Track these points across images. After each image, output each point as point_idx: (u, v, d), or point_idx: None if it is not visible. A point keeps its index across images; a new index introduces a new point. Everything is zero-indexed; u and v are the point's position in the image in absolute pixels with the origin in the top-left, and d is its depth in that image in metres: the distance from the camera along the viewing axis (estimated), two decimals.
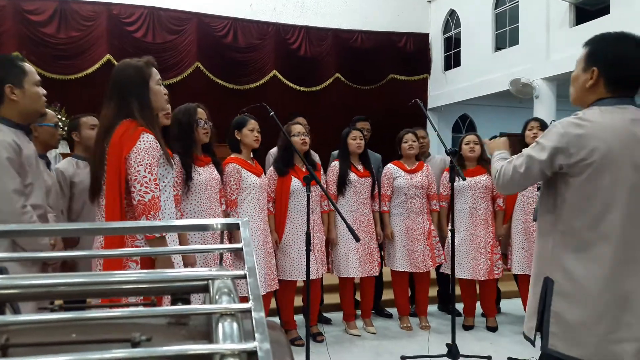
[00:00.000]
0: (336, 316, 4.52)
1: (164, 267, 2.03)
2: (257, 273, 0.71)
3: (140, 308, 0.70)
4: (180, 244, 2.82)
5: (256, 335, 0.63)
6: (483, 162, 4.22)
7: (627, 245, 1.68)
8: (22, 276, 0.74)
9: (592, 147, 1.68)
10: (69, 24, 9.04)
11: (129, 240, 2.05)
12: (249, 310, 0.66)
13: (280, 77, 10.39)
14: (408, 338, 4.11)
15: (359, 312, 4.41)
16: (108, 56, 9.10)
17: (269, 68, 10.34)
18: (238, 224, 0.83)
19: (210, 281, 0.76)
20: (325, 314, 4.51)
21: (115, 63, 9.47)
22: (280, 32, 10.48)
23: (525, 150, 1.85)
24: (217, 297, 0.71)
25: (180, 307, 0.70)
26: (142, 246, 2.06)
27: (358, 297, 4.44)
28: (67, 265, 2.89)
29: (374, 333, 4.19)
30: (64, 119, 7.84)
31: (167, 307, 0.70)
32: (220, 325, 0.66)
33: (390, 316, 4.65)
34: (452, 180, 3.51)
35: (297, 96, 10.38)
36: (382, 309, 4.73)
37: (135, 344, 0.64)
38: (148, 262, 2.05)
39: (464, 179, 3.56)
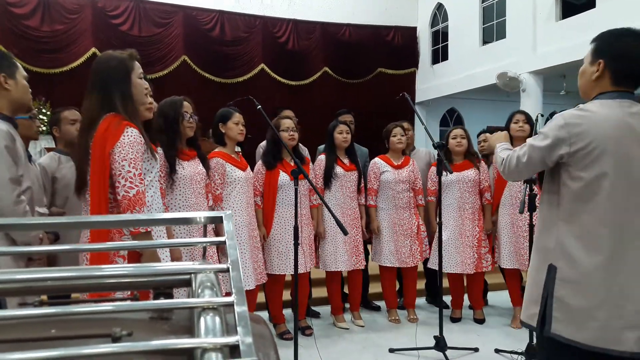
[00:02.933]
0: (324, 310, 4.53)
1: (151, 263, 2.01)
2: (240, 267, 0.71)
3: (121, 303, 0.69)
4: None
5: (238, 329, 0.62)
6: (470, 156, 4.23)
7: (625, 234, 1.75)
8: (5, 271, 0.72)
9: (590, 137, 1.76)
10: (53, 17, 8.90)
11: (116, 236, 2.03)
12: (231, 304, 0.65)
13: (268, 71, 10.34)
14: (396, 331, 4.13)
15: (347, 305, 4.42)
16: (93, 49, 8.98)
17: (257, 62, 10.29)
18: (221, 217, 0.81)
19: (192, 275, 0.75)
20: (313, 308, 4.52)
21: None
22: (268, 26, 10.42)
23: (528, 140, 1.94)
24: (199, 291, 0.70)
25: (161, 302, 0.69)
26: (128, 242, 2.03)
27: (346, 290, 4.45)
28: (51, 260, 2.87)
29: (362, 326, 4.20)
30: (48, 113, 7.75)
31: (147, 302, 0.69)
32: (202, 319, 0.65)
33: (378, 309, 4.67)
34: (439, 174, 3.51)
35: (285, 90, 10.35)
36: (370, 301, 4.75)
37: (115, 339, 0.63)
38: (135, 258, 2.04)
39: (451, 173, 3.56)
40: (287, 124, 3.82)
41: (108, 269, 0.76)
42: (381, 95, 10.44)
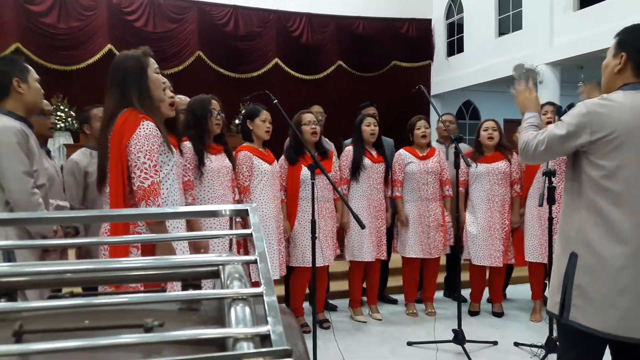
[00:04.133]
0: (342, 303, 4.54)
1: (165, 253, 2.07)
2: (267, 258, 0.71)
3: (154, 294, 0.70)
4: (193, 231, 2.87)
5: (269, 319, 0.63)
6: (501, 149, 4.18)
7: None
8: (32, 263, 0.73)
9: (612, 127, 1.77)
10: (69, 14, 8.98)
11: (131, 227, 2.09)
12: (260, 295, 0.66)
13: (282, 65, 10.33)
14: (414, 324, 4.12)
15: (364, 299, 4.43)
16: (109, 46, 9.05)
17: (271, 56, 10.28)
18: (247, 209, 0.82)
19: (220, 267, 0.75)
20: (330, 301, 4.53)
21: (117, 53, 9.45)
22: (282, 20, 10.41)
23: (549, 127, 1.94)
24: (228, 282, 0.71)
25: (192, 292, 0.70)
26: (144, 232, 2.11)
27: (364, 285, 4.45)
28: (82, 251, 2.97)
29: (380, 319, 4.20)
30: (66, 109, 7.85)
31: (179, 292, 0.70)
32: (232, 309, 0.66)
33: (395, 302, 4.66)
34: (456, 167, 3.48)
35: (299, 84, 10.33)
36: (387, 295, 4.74)
37: (148, 329, 0.64)
38: (149, 247, 2.09)
39: (469, 165, 3.54)
40: (309, 118, 3.84)
41: (138, 261, 0.77)
42: (396, 89, 10.39)
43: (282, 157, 3.90)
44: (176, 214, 1.03)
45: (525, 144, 2.00)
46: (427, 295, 4.40)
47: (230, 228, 1.27)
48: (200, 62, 9.75)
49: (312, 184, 3.16)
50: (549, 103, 4.18)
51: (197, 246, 2.76)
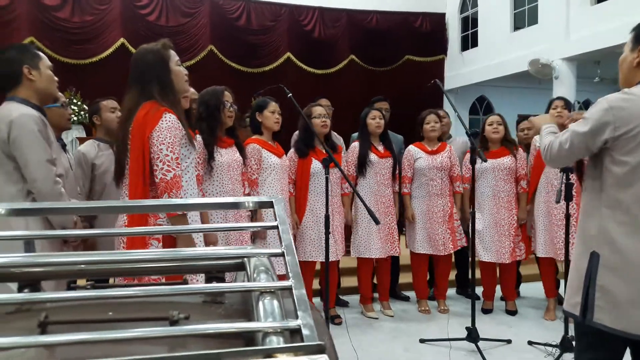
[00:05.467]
0: (353, 299, 4.52)
1: (185, 246, 2.05)
2: (294, 251, 0.69)
3: (179, 286, 0.68)
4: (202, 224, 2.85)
5: (299, 313, 0.61)
6: (507, 144, 4.13)
7: None
8: (54, 254, 0.72)
9: (636, 121, 1.74)
10: (83, 8, 9.01)
11: (152, 219, 2.07)
12: (289, 288, 0.63)
13: (294, 60, 10.30)
14: (426, 321, 4.09)
15: (376, 295, 4.40)
16: (122, 40, 9.08)
17: (283, 50, 10.26)
18: (272, 201, 0.80)
19: (246, 259, 0.73)
20: (341, 297, 4.51)
21: (130, 47, 9.45)
22: (294, 14, 10.37)
23: (571, 126, 1.91)
24: (254, 275, 0.69)
25: (220, 285, 0.68)
26: (165, 224, 2.09)
27: (374, 280, 4.42)
28: (88, 244, 2.94)
29: (392, 316, 4.17)
30: (79, 103, 7.88)
31: (207, 285, 0.68)
32: (261, 303, 0.64)
33: (407, 299, 4.63)
34: (472, 162, 3.44)
35: (311, 78, 10.29)
36: (399, 292, 4.71)
37: (173, 322, 0.62)
38: (170, 240, 2.07)
39: (484, 161, 3.50)
40: (319, 111, 3.80)
41: (162, 253, 0.75)
42: (409, 83, 10.31)
43: (292, 149, 3.87)
44: (198, 205, 1.01)
45: (548, 146, 1.99)
46: (439, 293, 4.37)
47: (252, 220, 1.26)
48: (212, 57, 9.75)
49: (327, 178, 3.14)
50: (558, 98, 4.13)
51: (206, 241, 2.70)
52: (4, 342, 0.53)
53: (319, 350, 0.55)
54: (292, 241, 0.70)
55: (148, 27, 9.21)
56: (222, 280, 0.78)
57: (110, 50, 9.04)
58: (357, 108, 4.56)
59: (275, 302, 0.64)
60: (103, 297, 0.61)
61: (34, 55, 2.28)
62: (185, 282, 0.89)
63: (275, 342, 0.58)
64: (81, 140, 6.98)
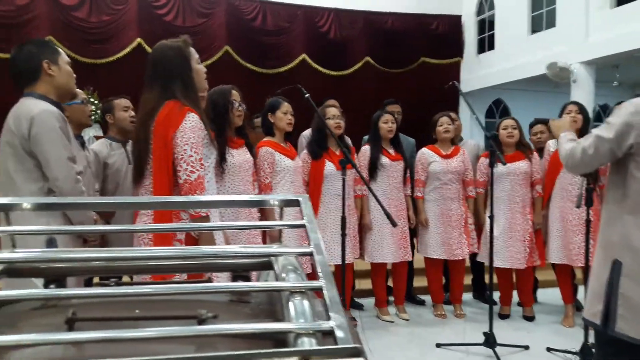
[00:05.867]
0: (367, 302, 4.48)
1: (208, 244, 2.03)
2: (323, 250, 0.66)
3: (209, 284, 0.66)
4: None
5: (331, 314, 0.58)
6: (522, 147, 4.08)
7: None
8: (81, 250, 0.71)
9: None
10: (100, 8, 9.08)
11: (174, 221, 2.04)
12: (320, 289, 0.61)
13: (310, 61, 10.28)
14: (442, 325, 4.04)
15: (390, 298, 4.36)
16: (139, 40, 9.13)
17: (298, 51, 10.25)
18: (298, 200, 0.77)
19: (273, 258, 0.71)
20: (357, 300, 4.47)
21: (146, 47, 9.49)
22: (310, 15, 10.36)
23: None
24: (283, 274, 0.66)
25: (251, 284, 0.66)
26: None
27: (389, 283, 4.38)
28: (104, 241, 2.93)
29: (407, 320, 4.13)
30: (96, 102, 7.94)
31: (238, 283, 0.66)
32: (291, 303, 0.62)
33: (422, 303, 4.58)
34: (491, 165, 3.39)
35: (326, 80, 10.26)
36: (414, 295, 4.67)
37: (201, 321, 0.60)
38: (192, 242, 2.04)
39: (504, 164, 3.45)
40: (333, 112, 3.76)
41: (188, 250, 0.73)
42: (424, 86, 10.25)
43: (305, 151, 3.83)
44: (224, 203, 0.99)
45: (570, 151, 1.95)
46: (455, 297, 4.32)
47: (280, 219, 1.23)
48: (227, 57, 9.76)
49: (343, 179, 3.12)
50: (572, 102, 4.08)
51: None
52: (33, 338, 0.52)
53: (356, 353, 0.53)
54: (321, 240, 0.68)
55: (164, 28, 9.25)
56: (248, 279, 0.76)
57: (127, 50, 9.10)
58: (371, 110, 4.53)
59: (306, 303, 0.62)
60: (132, 295, 0.60)
61: (53, 51, 2.24)
62: (209, 281, 0.87)
63: (308, 344, 0.56)
64: (98, 139, 7.06)
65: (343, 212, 3.08)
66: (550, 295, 4.72)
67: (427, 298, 4.53)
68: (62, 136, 2.11)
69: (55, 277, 0.73)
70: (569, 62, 8.60)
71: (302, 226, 0.73)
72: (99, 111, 7.77)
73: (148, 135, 2.07)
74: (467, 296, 4.70)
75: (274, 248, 0.72)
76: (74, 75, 2.32)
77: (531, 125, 4.57)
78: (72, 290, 0.60)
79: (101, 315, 0.65)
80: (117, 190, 3.07)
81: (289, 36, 10.25)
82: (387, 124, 4.01)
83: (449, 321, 4.14)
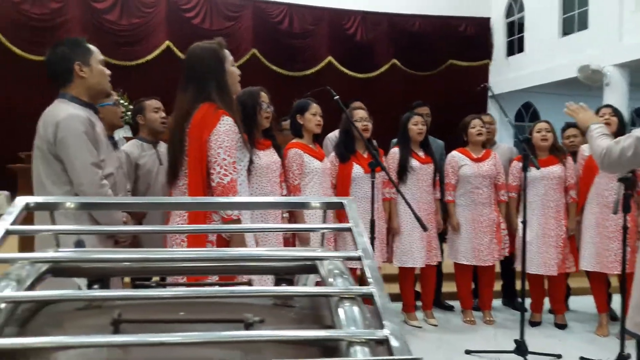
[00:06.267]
0: (395, 307, 4.42)
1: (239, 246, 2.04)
2: (372, 255, 0.64)
3: (259, 288, 0.64)
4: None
5: (385, 322, 0.55)
6: (556, 152, 3.97)
7: None
8: (123, 251, 0.70)
9: None
10: (131, 11, 9.26)
11: (206, 222, 2.05)
12: (371, 295, 0.58)
13: (335, 64, 10.29)
14: (471, 332, 3.96)
15: (418, 303, 4.29)
16: (167, 42, 9.28)
17: (324, 54, 10.27)
18: (342, 202, 0.75)
19: (318, 262, 0.69)
20: None
21: (175, 49, 9.60)
22: (336, 18, 10.37)
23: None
24: (330, 279, 0.64)
25: (302, 288, 0.64)
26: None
27: (417, 288, 4.32)
28: (136, 242, 2.94)
29: (436, 325, 4.06)
30: (126, 104, 8.07)
31: (289, 287, 0.64)
32: (341, 309, 0.59)
33: (451, 309, 4.50)
34: (525, 169, 3.32)
35: (352, 82, 10.25)
36: (443, 301, 4.59)
37: (248, 325, 0.58)
38: (223, 244, 2.05)
39: (538, 168, 3.36)
40: (360, 115, 3.73)
41: (230, 252, 0.71)
42: (452, 88, 10.16)
43: (332, 153, 3.80)
44: (265, 204, 0.97)
45: (606, 150, 1.88)
46: (484, 303, 4.23)
47: (323, 222, 1.21)
48: (254, 60, 9.84)
49: (372, 182, 3.08)
50: (605, 106, 3.99)
51: None
52: (81, 340, 0.51)
53: None
54: (369, 244, 0.65)
55: (192, 30, 9.37)
56: (291, 282, 0.74)
57: (156, 52, 9.26)
58: (398, 113, 4.50)
59: (357, 309, 0.59)
60: (181, 297, 0.58)
61: (86, 51, 2.21)
62: (250, 284, 0.85)
63: (361, 353, 0.53)
64: (128, 140, 7.16)
65: (372, 216, 3.05)
66: (582, 303, 4.60)
67: (455, 304, 4.46)
68: (87, 141, 2.10)
69: (98, 277, 0.72)
70: (601, 65, 8.41)
71: (348, 229, 0.71)
72: (129, 112, 7.91)
73: (183, 137, 2.10)
74: (496, 302, 4.60)
75: (319, 251, 0.70)
76: (108, 74, 2.31)
77: (563, 129, 4.46)
78: (119, 292, 0.59)
79: (146, 316, 0.64)
80: (148, 191, 3.08)
81: (315, 39, 10.27)
82: (417, 125, 3.95)
83: (478, 327, 4.06)
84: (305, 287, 0.71)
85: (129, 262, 0.68)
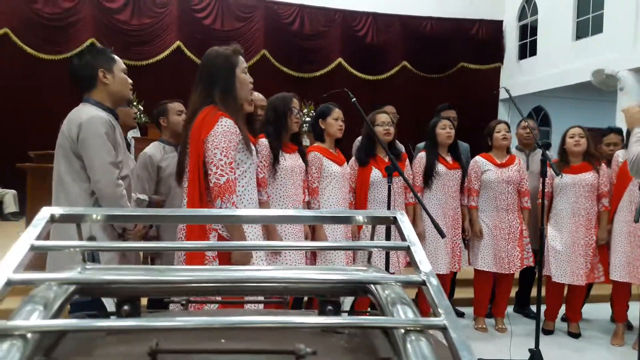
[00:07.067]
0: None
1: (241, 258, 2.09)
2: (437, 279, 0.59)
3: (313, 317, 0.59)
4: (267, 231, 2.83)
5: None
6: (589, 158, 3.87)
7: None
8: (155, 269, 0.66)
9: None
10: (142, 11, 9.25)
11: (209, 226, 2.10)
12: (443, 328, 0.54)
13: (346, 65, 10.24)
14: (484, 340, 3.90)
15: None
16: (178, 43, 9.26)
17: (335, 56, 10.22)
18: (394, 217, 0.70)
19: (374, 286, 0.64)
20: None
21: (185, 50, 9.59)
22: (348, 19, 10.32)
23: None
24: (390, 307, 0.59)
25: (367, 319, 0.59)
26: (220, 231, 2.12)
27: None
28: (149, 239, 2.96)
29: None
30: (134, 104, 8.07)
31: (351, 318, 0.59)
32: (409, 344, 0.54)
33: (462, 315, 4.44)
34: (543, 175, 3.25)
35: (362, 84, 10.19)
36: (454, 308, 4.53)
37: (299, 358, 0.53)
38: (225, 253, 2.10)
39: (557, 174, 3.30)
40: (383, 119, 3.68)
41: (274, 273, 0.66)
42: (462, 91, 10.07)
43: (352, 158, 3.78)
44: (307, 218, 0.93)
45: (636, 156, 1.82)
46: (499, 310, 4.16)
47: (372, 238, 1.15)
48: (264, 61, 9.81)
49: (389, 187, 3.04)
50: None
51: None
52: None
53: None
54: (431, 266, 0.60)
55: (204, 31, 9.36)
56: (338, 305, 0.69)
57: (167, 52, 9.24)
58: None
59: (426, 344, 0.54)
60: (225, 325, 0.53)
61: (109, 59, 2.35)
62: (286, 303, 0.81)
63: None
64: (137, 140, 7.18)
65: None
66: (596, 311, 4.53)
67: (466, 310, 4.39)
68: (107, 142, 2.22)
69: (127, 297, 0.68)
70: (616, 69, 8.31)
71: (406, 248, 0.66)
72: (138, 113, 7.92)
73: (187, 139, 2.18)
74: (509, 309, 4.54)
75: (373, 273, 0.65)
76: (130, 82, 2.44)
77: (604, 134, 4.35)
78: (156, 322, 0.54)
79: (185, 344, 0.59)
80: (170, 193, 3.10)
81: (326, 40, 10.23)
82: (445, 129, 3.88)
83: (491, 335, 4.00)
84: (371, 317, 0.66)
85: (163, 284, 0.64)
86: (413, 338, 0.54)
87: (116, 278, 0.63)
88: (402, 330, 0.55)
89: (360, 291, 0.66)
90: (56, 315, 0.58)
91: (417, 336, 0.55)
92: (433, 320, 0.55)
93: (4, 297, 0.57)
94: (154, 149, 3.19)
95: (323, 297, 0.69)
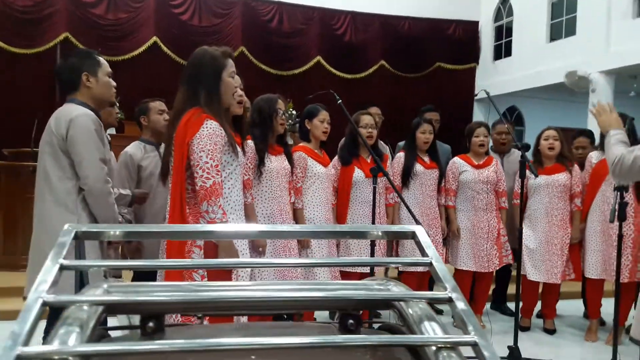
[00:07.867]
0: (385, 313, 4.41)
1: (228, 253, 2.09)
2: (461, 296, 0.61)
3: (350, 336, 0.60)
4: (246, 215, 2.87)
5: None
6: (562, 159, 3.98)
7: None
8: (179, 285, 0.66)
9: None
10: (118, 6, 9.06)
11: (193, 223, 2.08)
12: (474, 344, 0.56)
13: (324, 64, 10.23)
14: None
15: None
16: (154, 38, 9.11)
17: (313, 54, 10.20)
18: (413, 232, 0.72)
19: (399, 303, 0.65)
20: None
21: (162, 45, 9.41)
22: (326, 17, 10.31)
23: None
24: (417, 324, 0.61)
25: (399, 337, 0.60)
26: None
27: None
28: (132, 246, 2.95)
29: None
30: (117, 105, 7.91)
31: (388, 336, 0.60)
32: None
33: (440, 312, 4.51)
34: (522, 177, 3.34)
35: (340, 83, 10.19)
36: (434, 305, 4.60)
37: None
38: (211, 246, 2.08)
39: (536, 176, 3.39)
40: (366, 120, 3.72)
41: (298, 290, 0.67)
42: (439, 91, 10.18)
43: (335, 157, 3.80)
44: (324, 234, 0.94)
45: (619, 158, 1.87)
46: (477, 308, 4.24)
47: (389, 252, 1.13)
48: (242, 58, 9.70)
49: (374, 188, 3.07)
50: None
51: (254, 244, 2.78)
52: None
53: None
54: (455, 282, 0.62)
55: (181, 27, 9.23)
56: (358, 318, 0.71)
57: (143, 48, 9.08)
58: (384, 114, 4.52)
59: None
60: (262, 346, 0.54)
61: (95, 63, 2.37)
62: (300, 317, 0.82)
63: None
64: (113, 137, 7.04)
65: (373, 220, 3.05)
66: (569, 307, 4.66)
67: (445, 307, 4.46)
68: (97, 139, 2.24)
69: (152, 313, 0.68)
70: (588, 71, 8.53)
71: (428, 264, 0.68)
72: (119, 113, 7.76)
73: (171, 139, 2.17)
74: (486, 306, 4.63)
75: (399, 289, 0.67)
76: (114, 85, 2.45)
77: (574, 137, 4.48)
78: (201, 343, 0.54)
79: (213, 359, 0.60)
80: (150, 192, 3.06)
81: (305, 38, 10.21)
82: (424, 134, 3.95)
83: None
84: (403, 336, 0.67)
85: (192, 303, 0.65)
86: (445, 355, 0.56)
87: (147, 299, 0.64)
88: (434, 348, 0.57)
89: (383, 306, 0.67)
90: (90, 336, 0.58)
91: (448, 353, 0.56)
92: (464, 337, 0.57)
93: (39, 319, 0.57)
94: (134, 148, 3.16)
95: (345, 312, 0.71)
